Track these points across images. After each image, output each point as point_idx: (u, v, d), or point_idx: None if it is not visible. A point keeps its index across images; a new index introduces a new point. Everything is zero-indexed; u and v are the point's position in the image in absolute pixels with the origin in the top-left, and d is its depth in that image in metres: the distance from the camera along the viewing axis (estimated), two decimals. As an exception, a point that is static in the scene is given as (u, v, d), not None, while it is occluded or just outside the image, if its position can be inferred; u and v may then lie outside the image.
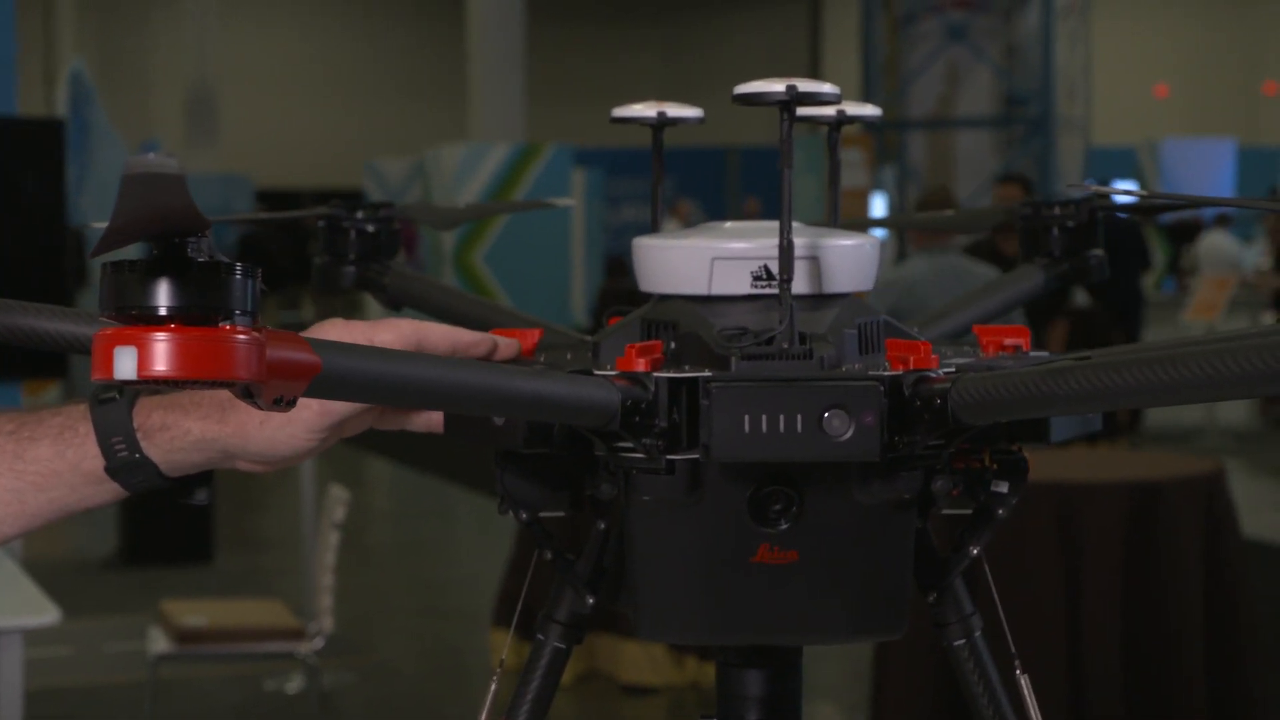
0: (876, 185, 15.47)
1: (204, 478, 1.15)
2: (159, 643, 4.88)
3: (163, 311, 0.84)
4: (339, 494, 4.99)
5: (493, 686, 1.23)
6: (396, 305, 1.57)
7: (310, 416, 1.11)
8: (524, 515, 1.19)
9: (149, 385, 0.83)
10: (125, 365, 0.82)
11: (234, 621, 5.03)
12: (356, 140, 25.50)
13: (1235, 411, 12.05)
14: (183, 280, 0.84)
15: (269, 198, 22.26)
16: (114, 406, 1.11)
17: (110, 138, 11.47)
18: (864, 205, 14.16)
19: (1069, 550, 3.91)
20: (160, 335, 0.83)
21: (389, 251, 1.55)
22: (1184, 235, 17.66)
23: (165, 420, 1.11)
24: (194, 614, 5.05)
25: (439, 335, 1.15)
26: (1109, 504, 3.94)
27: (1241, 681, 4.05)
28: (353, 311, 17.98)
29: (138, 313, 0.84)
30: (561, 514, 1.21)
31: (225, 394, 1.09)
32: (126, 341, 0.83)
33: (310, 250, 1.56)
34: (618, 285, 10.24)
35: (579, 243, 15.59)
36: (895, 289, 6.29)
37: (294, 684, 5.74)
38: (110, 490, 1.13)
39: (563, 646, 1.22)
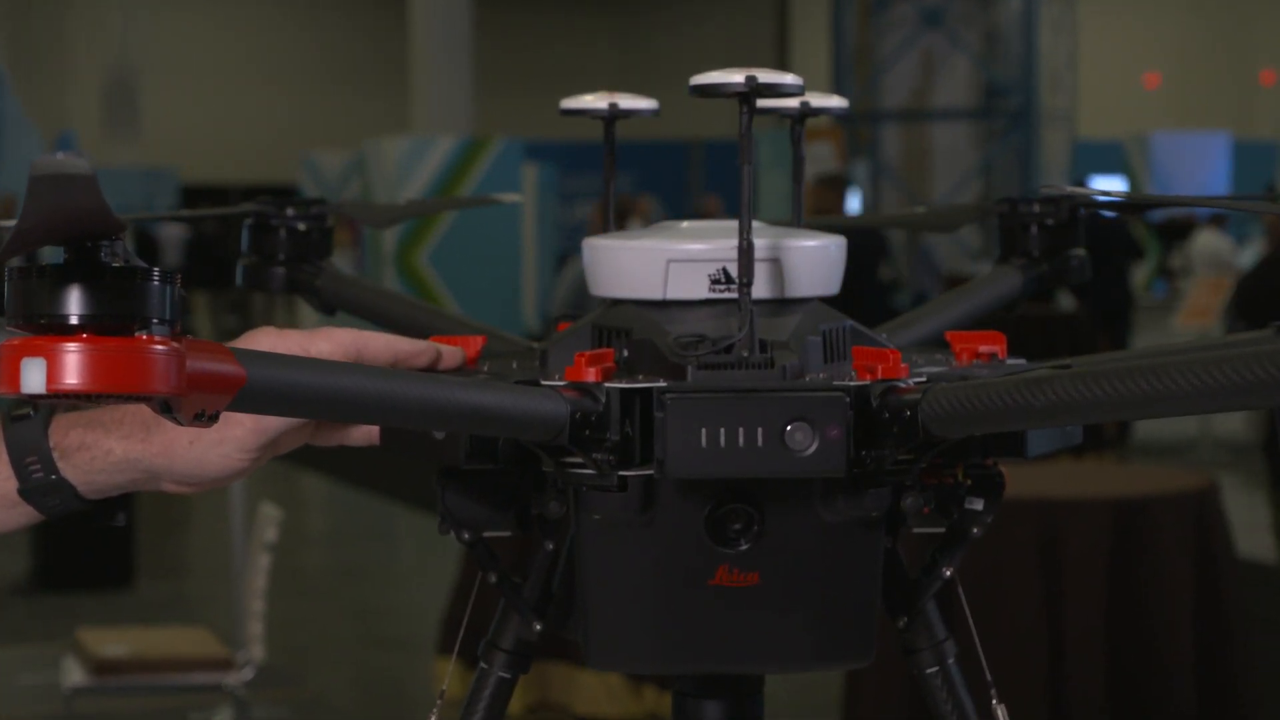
0: (848, 181, 15.52)
1: (122, 497, 1.15)
2: (74, 674, 4.84)
3: (74, 320, 0.84)
4: (270, 513, 4.97)
5: (432, 718, 1.23)
6: (330, 310, 1.56)
7: (243, 434, 1.11)
8: (467, 535, 1.19)
9: (59, 399, 0.83)
10: (33, 378, 0.82)
11: (156, 651, 5.00)
12: (291, 132, 25.41)
13: (1230, 423, 12.12)
14: (95, 287, 0.84)
15: (196, 194, 22.16)
16: (28, 424, 1.10)
17: (25, 128, 11.41)
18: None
19: (1050, 571, 3.92)
20: (71, 346, 0.83)
21: (322, 252, 1.54)
22: (1175, 234, 17.78)
23: (84, 439, 1.11)
24: (113, 643, 5.01)
25: (380, 345, 1.15)
26: (1093, 522, 3.96)
27: (1235, 712, 4.07)
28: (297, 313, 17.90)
29: (47, 321, 0.84)
30: (507, 534, 1.21)
31: (149, 410, 1.09)
32: (34, 352, 0.82)
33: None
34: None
35: (530, 242, 15.57)
36: (575, 276, 8.71)
37: (221, 718, 5.71)
38: (25, 514, 1.13)
39: (508, 676, 1.22)
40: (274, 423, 1.11)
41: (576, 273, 9.64)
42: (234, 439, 1.10)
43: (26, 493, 1.11)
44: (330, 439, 1.18)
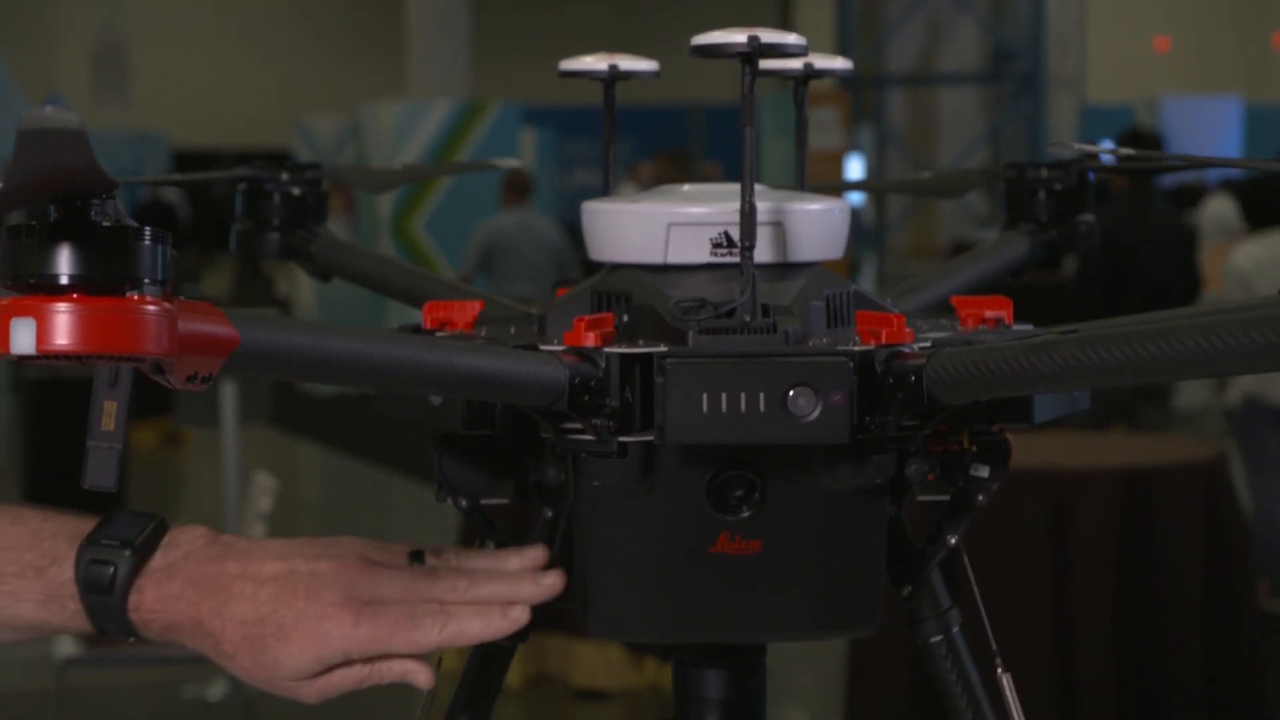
0: (853, 147, 15.50)
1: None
2: (66, 646, 4.85)
3: (64, 280, 0.84)
4: (265, 482, 4.97)
5: (427, 690, 1.23)
6: (325, 276, 1.56)
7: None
8: (464, 503, 1.20)
9: (49, 360, 0.83)
10: (23, 339, 0.82)
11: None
12: (284, 96, 25.35)
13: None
14: (86, 246, 0.84)
15: (187, 159, 22.13)
16: (108, 601, 1.13)
17: (10, 92, 11.38)
18: (839, 169, 14.18)
19: (1058, 542, 3.93)
20: (61, 306, 0.83)
21: (317, 217, 1.54)
22: (1185, 200, 17.76)
23: (164, 629, 1.14)
24: (105, 615, 5.01)
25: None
26: (1101, 492, 3.97)
27: (1243, 683, 4.08)
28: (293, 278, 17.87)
29: (36, 281, 0.84)
30: (505, 501, 1.21)
31: (232, 631, 1.12)
32: (24, 313, 0.83)
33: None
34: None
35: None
36: (483, 240, 10.05)
37: (215, 691, 5.72)
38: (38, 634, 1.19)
39: (506, 646, 1.23)
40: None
41: (483, 236, 10.23)
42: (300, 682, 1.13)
43: (101, 632, 1.16)
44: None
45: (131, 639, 1.15)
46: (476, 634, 1.13)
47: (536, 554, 1.17)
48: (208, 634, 1.13)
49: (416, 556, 1.16)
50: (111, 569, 1.13)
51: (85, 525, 1.15)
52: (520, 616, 1.14)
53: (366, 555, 1.15)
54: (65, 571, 1.14)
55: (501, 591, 1.14)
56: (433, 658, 1.17)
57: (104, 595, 1.13)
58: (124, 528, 1.14)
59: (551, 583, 1.15)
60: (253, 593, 1.12)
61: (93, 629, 1.15)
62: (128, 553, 1.13)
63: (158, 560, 1.14)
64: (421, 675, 1.14)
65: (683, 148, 11.61)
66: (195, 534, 1.15)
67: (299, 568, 1.13)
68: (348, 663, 1.14)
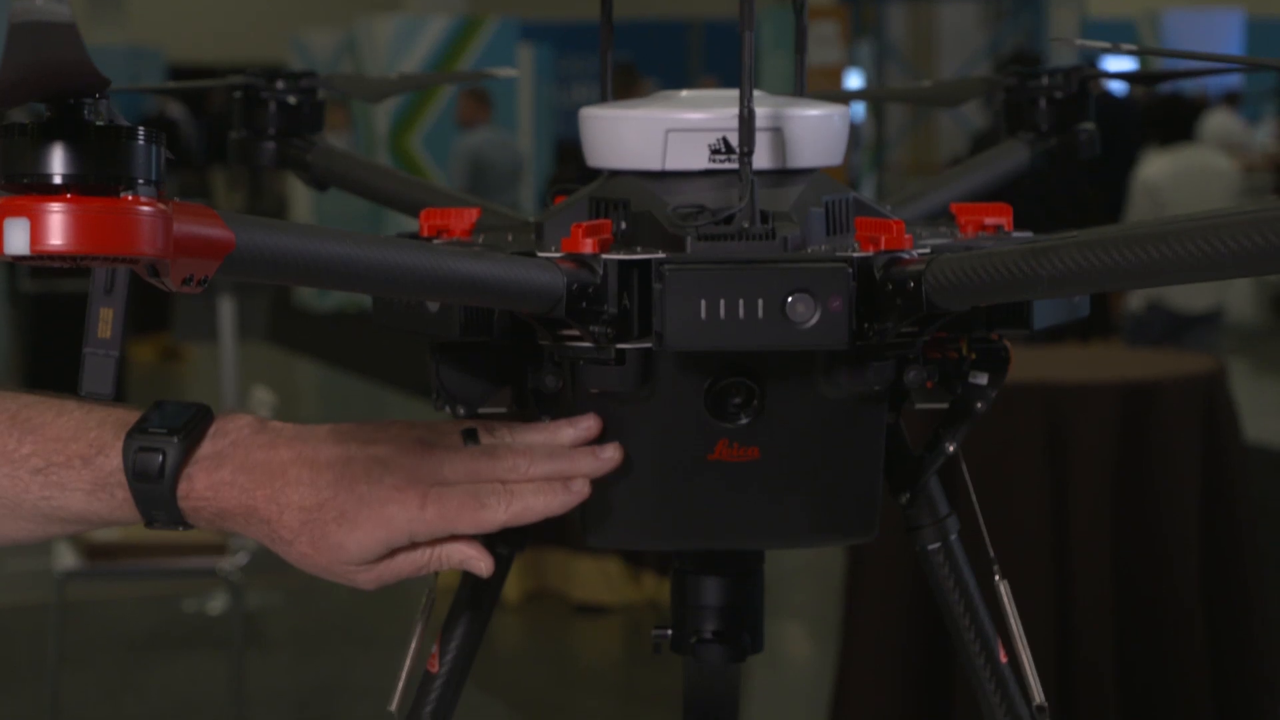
0: (852, 63, 15.40)
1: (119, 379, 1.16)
2: (66, 559, 4.87)
3: (57, 180, 0.83)
4: (263, 397, 4.98)
5: (425, 599, 1.24)
6: (322, 185, 1.56)
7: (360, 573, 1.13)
8: (461, 411, 1.19)
9: (43, 261, 0.82)
10: (16, 239, 0.82)
11: (149, 535, 5.02)
12: (280, 10, 25.18)
13: (1240, 305, 12.10)
14: (79, 145, 0.83)
15: (183, 74, 22.01)
16: (157, 488, 1.13)
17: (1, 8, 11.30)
18: (839, 84, 14.11)
19: (1056, 456, 3.94)
20: (55, 206, 0.82)
21: (312, 126, 1.53)
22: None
23: (215, 516, 1.14)
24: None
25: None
26: (1099, 405, 3.97)
27: (1240, 594, 4.10)
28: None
29: (30, 181, 0.83)
30: (503, 410, 1.21)
31: (289, 517, 1.11)
32: (17, 212, 0.82)
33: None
34: (570, 174, 10.27)
35: (526, 127, 15.47)
36: (472, 157, 10.21)
37: (216, 604, 5.76)
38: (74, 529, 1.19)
39: (504, 552, 1.23)
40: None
41: (469, 153, 10.29)
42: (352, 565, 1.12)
43: (149, 521, 1.15)
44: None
45: (181, 527, 1.14)
46: (542, 509, 1.12)
47: (589, 424, 1.15)
48: (262, 520, 1.12)
49: (470, 435, 1.15)
50: (160, 456, 1.12)
51: (130, 415, 1.15)
52: (582, 490, 1.13)
53: (420, 437, 1.14)
54: (113, 460, 1.13)
55: (563, 467, 1.13)
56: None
57: (153, 483, 1.12)
58: (170, 416, 1.14)
59: (610, 455, 1.14)
60: (310, 478, 1.11)
61: (141, 518, 1.14)
62: (176, 439, 1.12)
63: (206, 448, 1.13)
64: (482, 562, 1.13)
65: (629, 63, 11.51)
66: (242, 421, 1.15)
67: (355, 453, 1.12)
68: (409, 548, 1.13)
